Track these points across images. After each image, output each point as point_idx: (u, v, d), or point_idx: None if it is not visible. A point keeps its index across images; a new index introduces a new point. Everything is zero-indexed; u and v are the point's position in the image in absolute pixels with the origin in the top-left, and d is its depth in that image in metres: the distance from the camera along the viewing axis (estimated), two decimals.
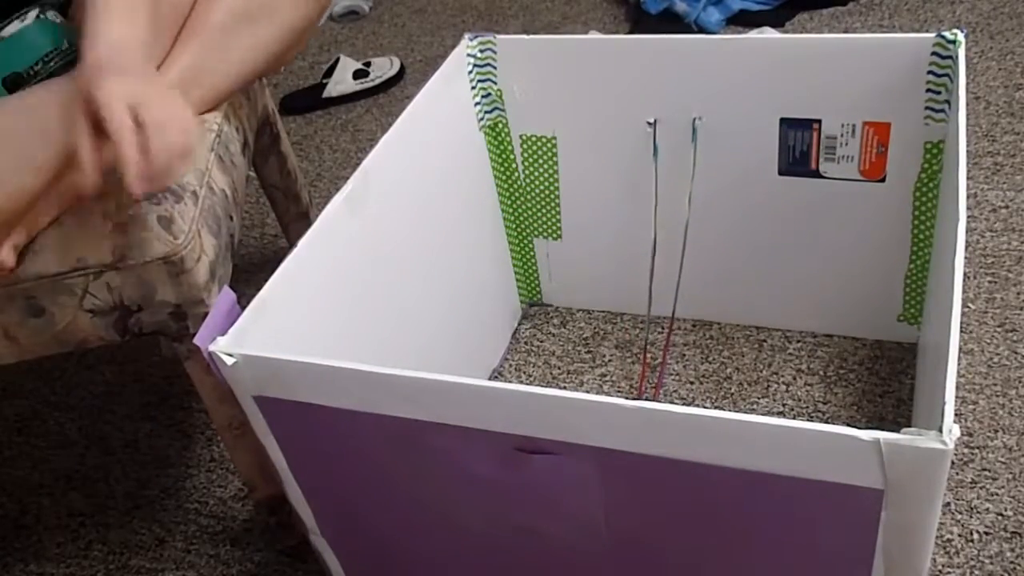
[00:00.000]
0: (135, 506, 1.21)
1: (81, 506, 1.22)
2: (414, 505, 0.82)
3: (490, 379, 1.20)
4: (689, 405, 1.17)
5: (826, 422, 1.13)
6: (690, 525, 0.71)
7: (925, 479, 0.60)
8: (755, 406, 1.16)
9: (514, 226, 1.28)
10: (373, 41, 2.16)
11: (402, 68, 1.99)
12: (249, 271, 1.52)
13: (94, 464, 1.28)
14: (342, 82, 1.94)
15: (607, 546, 0.76)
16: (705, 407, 1.16)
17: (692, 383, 1.20)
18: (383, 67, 1.97)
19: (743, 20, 1.92)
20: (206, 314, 0.88)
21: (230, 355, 0.74)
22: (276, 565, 1.10)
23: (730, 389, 1.19)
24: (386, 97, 1.95)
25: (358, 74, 1.95)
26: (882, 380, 1.17)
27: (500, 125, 1.19)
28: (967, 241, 1.33)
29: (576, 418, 0.67)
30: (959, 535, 0.99)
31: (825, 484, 0.63)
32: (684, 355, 1.24)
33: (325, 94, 1.94)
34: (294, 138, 1.87)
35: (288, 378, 0.74)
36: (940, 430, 0.58)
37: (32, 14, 0.86)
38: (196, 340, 0.73)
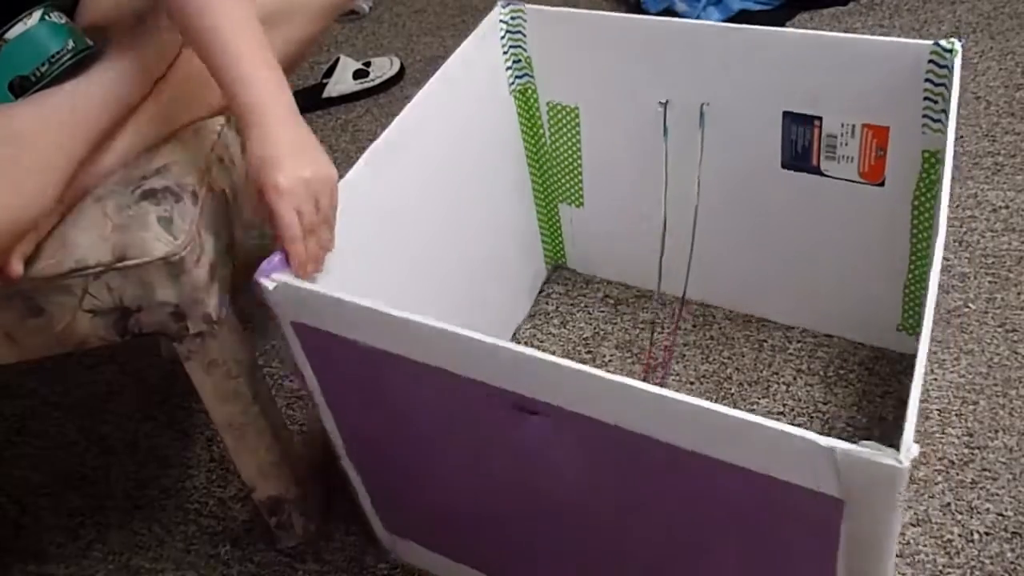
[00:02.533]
0: (135, 506, 1.21)
1: (81, 506, 1.22)
2: (423, 440, 0.87)
3: (512, 337, 1.30)
4: None
5: (826, 422, 1.13)
6: (666, 504, 0.73)
7: (880, 494, 0.60)
8: (755, 406, 1.16)
9: (541, 189, 1.32)
10: (373, 41, 2.16)
11: (402, 68, 1.98)
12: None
13: (94, 464, 1.28)
14: (342, 82, 1.94)
15: (594, 511, 0.79)
16: None
17: (692, 383, 1.20)
18: (383, 67, 1.97)
19: (743, 20, 1.92)
20: (206, 314, 0.88)
21: (271, 281, 0.81)
22: (276, 565, 1.10)
23: (730, 389, 1.19)
24: (386, 97, 1.95)
25: (358, 74, 1.95)
26: (882, 380, 1.17)
27: (529, 91, 1.22)
28: (967, 241, 1.33)
29: (563, 385, 0.69)
30: (959, 535, 0.99)
31: (790, 485, 0.63)
32: (684, 355, 1.24)
33: (325, 94, 1.94)
34: None
35: (317, 308, 0.80)
36: (898, 447, 0.58)
37: (37, 15, 0.85)
38: (256, 274, 0.82)
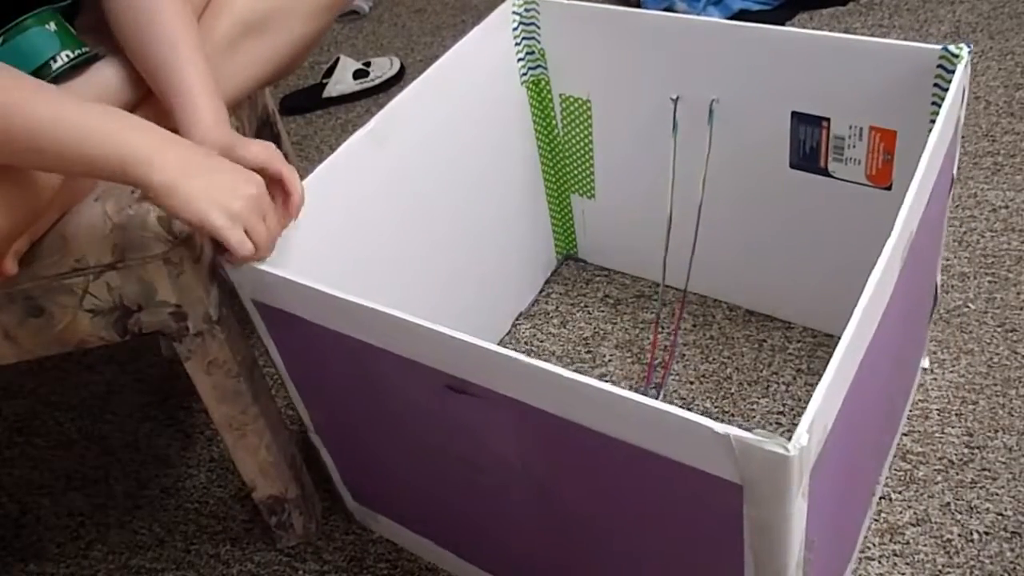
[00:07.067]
0: (135, 506, 1.21)
1: (81, 506, 1.22)
2: (374, 416, 0.90)
3: (514, 323, 1.33)
4: (689, 405, 1.17)
5: None
6: (587, 485, 0.76)
7: (773, 481, 0.61)
8: (755, 406, 1.16)
9: (553, 180, 1.33)
10: (373, 41, 2.16)
11: (402, 68, 1.99)
12: None
13: (94, 464, 1.28)
14: (342, 82, 1.94)
15: (527, 489, 0.81)
16: (705, 407, 1.17)
17: (692, 383, 1.20)
18: (383, 67, 1.97)
19: (743, 20, 1.92)
20: (206, 313, 0.89)
21: (230, 261, 0.83)
22: (276, 565, 1.10)
23: (730, 389, 1.19)
24: (386, 97, 1.95)
25: (358, 74, 1.95)
26: None
27: (542, 83, 1.23)
28: (967, 241, 1.33)
29: (492, 368, 0.71)
30: (959, 535, 0.99)
31: (696, 470, 0.65)
32: (684, 355, 1.24)
33: (325, 94, 1.94)
34: (294, 138, 1.87)
35: (271, 287, 0.83)
36: (790, 436, 0.59)
37: (30, 22, 0.85)
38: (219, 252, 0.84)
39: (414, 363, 0.77)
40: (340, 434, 1.00)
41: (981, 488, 1.03)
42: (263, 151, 0.82)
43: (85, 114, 0.73)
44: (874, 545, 1.00)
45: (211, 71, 0.86)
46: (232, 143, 0.82)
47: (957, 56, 0.91)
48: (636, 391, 0.66)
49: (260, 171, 0.81)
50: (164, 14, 0.85)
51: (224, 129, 0.84)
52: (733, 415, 1.15)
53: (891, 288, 0.78)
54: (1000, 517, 1.00)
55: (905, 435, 1.10)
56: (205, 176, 0.76)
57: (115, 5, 0.87)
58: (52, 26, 0.86)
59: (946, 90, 0.91)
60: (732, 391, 1.19)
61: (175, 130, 0.87)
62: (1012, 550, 0.97)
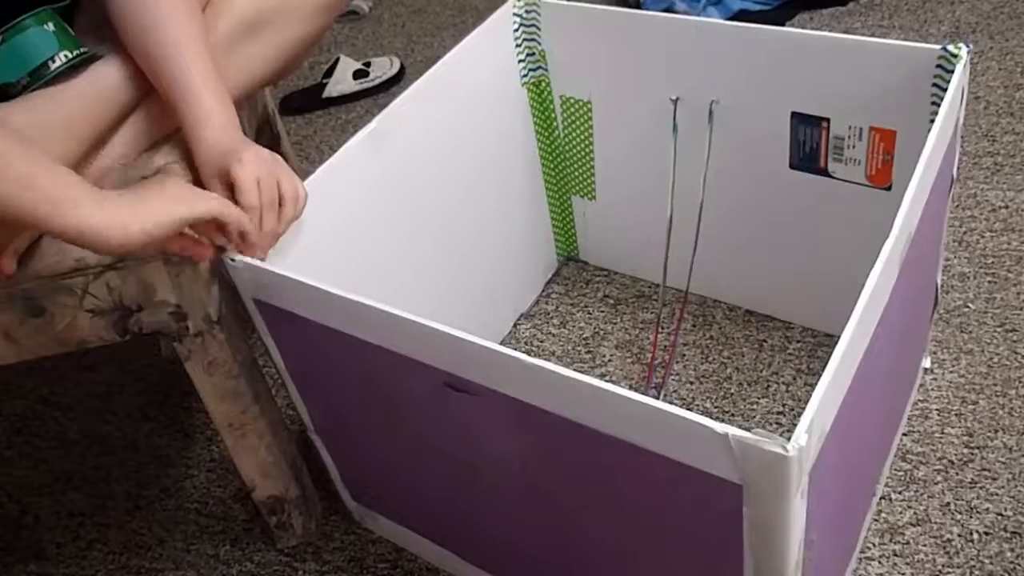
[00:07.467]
0: (135, 506, 1.21)
1: (81, 506, 1.22)
2: (374, 415, 0.90)
3: (515, 323, 1.33)
4: (689, 405, 1.17)
5: None
6: (586, 484, 0.76)
7: (772, 481, 0.62)
8: (755, 406, 1.16)
9: (554, 182, 1.33)
10: (373, 41, 2.16)
11: (402, 68, 1.99)
12: None
13: (94, 464, 1.28)
14: (342, 82, 1.94)
15: (526, 488, 0.82)
16: (705, 407, 1.17)
17: (692, 383, 1.20)
18: (383, 67, 1.97)
19: (742, 20, 1.92)
20: (206, 313, 0.88)
21: (232, 259, 0.84)
22: (276, 565, 1.10)
23: (730, 389, 1.19)
24: (386, 97, 1.95)
25: (358, 74, 1.95)
26: None
27: (543, 84, 1.23)
28: (967, 241, 1.33)
29: (492, 366, 0.71)
30: (959, 535, 0.99)
31: (696, 470, 0.65)
32: (684, 355, 1.24)
33: (325, 94, 1.94)
34: (294, 138, 1.87)
35: (273, 286, 0.84)
36: (790, 436, 0.60)
37: (29, 22, 0.85)
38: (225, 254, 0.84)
39: (414, 361, 0.77)
40: (340, 434, 1.00)
41: (981, 488, 1.03)
42: (258, 166, 0.82)
43: (30, 164, 0.71)
44: (874, 545, 1.00)
45: (217, 70, 0.86)
46: (234, 148, 0.82)
47: (956, 56, 0.91)
48: (636, 391, 0.66)
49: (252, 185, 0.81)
50: (168, 11, 0.85)
51: (232, 132, 0.84)
52: (733, 415, 1.16)
53: (891, 288, 0.78)
54: (1000, 517, 1.00)
55: (905, 435, 1.10)
56: (148, 193, 0.75)
57: (118, 2, 0.87)
58: (51, 26, 0.86)
59: (945, 90, 0.91)
60: (732, 391, 1.19)
61: (179, 129, 0.88)
62: (1012, 550, 0.97)
